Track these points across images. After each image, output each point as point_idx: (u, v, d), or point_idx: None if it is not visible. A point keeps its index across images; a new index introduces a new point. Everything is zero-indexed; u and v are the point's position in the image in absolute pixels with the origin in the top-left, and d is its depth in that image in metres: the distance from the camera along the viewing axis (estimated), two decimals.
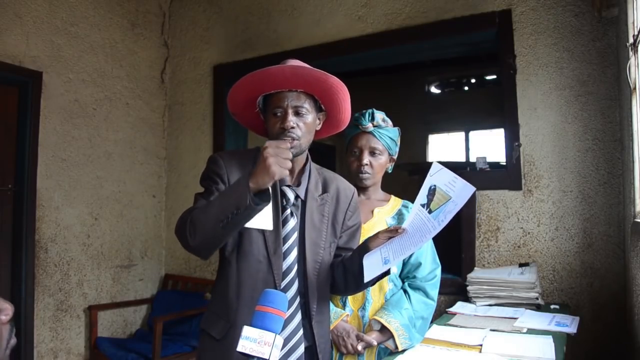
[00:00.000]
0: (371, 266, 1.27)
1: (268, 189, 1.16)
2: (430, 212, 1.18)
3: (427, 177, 1.20)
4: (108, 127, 3.48)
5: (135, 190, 3.68)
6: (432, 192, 1.19)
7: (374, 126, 1.72)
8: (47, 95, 3.09)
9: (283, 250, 1.34)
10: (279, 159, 1.12)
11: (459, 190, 1.12)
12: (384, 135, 1.73)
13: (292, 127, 1.29)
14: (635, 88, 1.86)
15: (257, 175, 1.13)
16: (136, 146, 3.69)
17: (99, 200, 3.42)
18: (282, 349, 1.28)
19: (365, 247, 1.31)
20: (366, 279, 1.27)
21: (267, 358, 0.90)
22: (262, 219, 1.28)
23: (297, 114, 1.32)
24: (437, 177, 1.18)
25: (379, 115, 1.75)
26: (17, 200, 3.00)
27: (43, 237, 3.07)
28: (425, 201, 1.20)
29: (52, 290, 3.11)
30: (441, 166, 1.19)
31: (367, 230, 1.70)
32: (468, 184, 1.12)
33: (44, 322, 3.06)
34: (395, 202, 1.81)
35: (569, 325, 1.83)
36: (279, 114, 1.31)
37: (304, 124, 1.32)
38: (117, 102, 3.55)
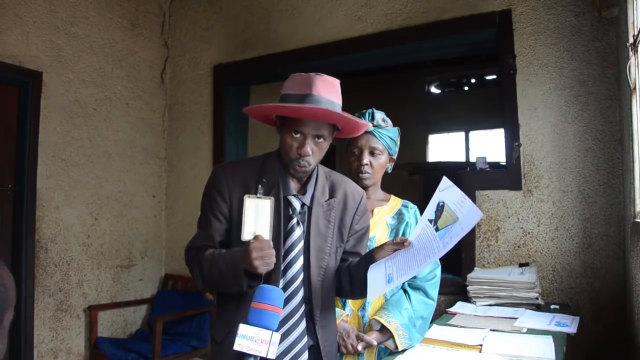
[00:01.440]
0: (375, 282, 1.26)
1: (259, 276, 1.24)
2: (437, 229, 1.17)
3: (437, 192, 1.20)
4: (108, 127, 3.48)
5: (135, 190, 3.68)
6: (440, 208, 1.18)
7: (374, 126, 1.72)
8: (47, 95, 3.09)
9: (288, 260, 1.33)
10: (264, 261, 1.19)
11: (467, 213, 1.12)
12: (383, 135, 1.73)
13: (309, 155, 1.30)
14: (635, 88, 1.86)
15: (247, 263, 1.21)
16: (136, 146, 3.69)
17: (99, 200, 3.42)
18: (287, 354, 1.28)
19: (371, 258, 1.31)
20: (370, 297, 1.29)
21: (265, 356, 0.90)
22: (261, 232, 1.27)
23: (316, 138, 1.32)
24: (447, 194, 1.18)
25: (379, 115, 1.75)
26: (17, 200, 3.00)
27: (43, 237, 3.07)
28: (433, 217, 1.19)
29: (52, 290, 3.11)
30: (451, 183, 1.18)
31: None
32: (476, 207, 1.12)
33: (44, 322, 3.06)
34: (395, 202, 1.81)
35: (569, 325, 1.83)
36: (298, 137, 1.30)
37: (320, 149, 1.33)
38: (117, 102, 3.55)
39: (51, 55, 3.13)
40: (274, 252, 1.21)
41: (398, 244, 1.27)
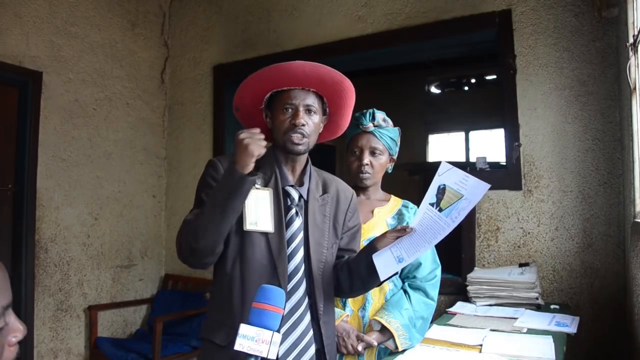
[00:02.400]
0: (385, 265, 1.26)
1: (253, 172, 1.23)
2: (440, 210, 1.17)
3: (436, 177, 1.20)
4: (108, 127, 3.48)
5: (135, 190, 3.68)
6: (441, 191, 1.18)
7: (375, 126, 1.72)
8: (47, 95, 3.09)
9: (289, 251, 1.33)
10: (254, 140, 1.20)
11: (472, 188, 1.12)
12: (384, 135, 1.73)
13: (303, 125, 1.31)
14: (635, 88, 1.86)
15: (238, 157, 1.20)
16: (136, 146, 3.69)
17: (99, 200, 3.42)
18: (293, 350, 1.28)
19: (373, 248, 1.31)
20: (382, 277, 1.28)
21: (266, 356, 0.90)
22: (263, 222, 1.28)
23: (308, 112, 1.34)
24: (447, 177, 1.18)
25: (380, 115, 1.75)
26: (17, 200, 3.00)
27: (43, 237, 3.07)
28: (434, 200, 1.19)
29: (52, 290, 3.11)
30: (450, 165, 1.18)
31: (367, 230, 1.70)
32: (481, 181, 1.12)
33: (44, 322, 3.06)
34: (395, 202, 1.81)
35: (569, 325, 1.83)
36: (290, 110, 1.33)
37: (313, 123, 1.35)
38: (117, 102, 3.55)
39: (51, 55, 3.13)
40: (262, 135, 1.22)
41: (400, 231, 1.27)
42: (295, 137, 1.32)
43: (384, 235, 1.31)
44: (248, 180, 1.21)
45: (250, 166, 1.20)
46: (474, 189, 1.12)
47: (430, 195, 1.20)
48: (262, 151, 1.21)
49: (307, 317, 1.34)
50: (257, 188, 1.31)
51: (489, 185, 1.12)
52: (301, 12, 3.31)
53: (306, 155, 1.41)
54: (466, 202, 1.13)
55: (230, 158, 1.36)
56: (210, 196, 1.25)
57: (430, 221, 1.20)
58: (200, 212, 1.26)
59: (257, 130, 1.23)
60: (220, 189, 1.23)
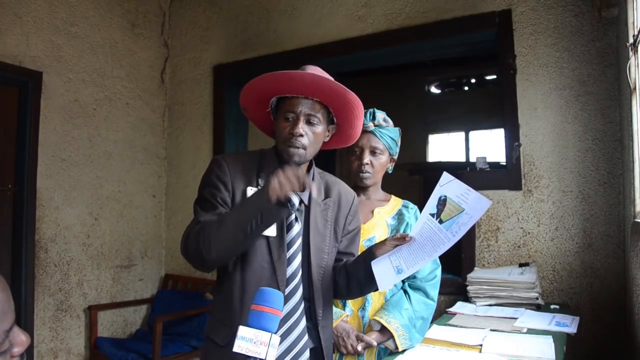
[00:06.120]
0: (383, 274, 1.26)
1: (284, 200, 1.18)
2: (440, 222, 1.17)
3: (437, 187, 1.20)
4: (108, 127, 3.48)
5: (135, 190, 3.68)
6: (442, 202, 1.18)
7: (375, 125, 1.72)
8: (47, 95, 3.09)
9: (287, 256, 1.33)
10: (283, 184, 1.14)
11: (473, 203, 1.12)
12: (384, 134, 1.73)
13: (301, 135, 1.28)
14: (635, 88, 1.86)
15: (272, 190, 1.15)
16: (136, 146, 3.69)
17: (99, 200, 3.42)
18: (288, 354, 1.28)
19: (371, 254, 1.31)
20: (381, 288, 1.28)
21: (264, 358, 0.90)
22: None
23: (308, 122, 1.31)
24: (448, 188, 1.18)
25: (380, 115, 1.75)
26: (17, 200, 3.00)
27: (43, 237, 3.07)
28: (434, 211, 1.19)
29: (52, 290, 3.11)
30: (452, 177, 1.18)
31: (367, 230, 1.70)
32: (483, 197, 1.12)
33: (44, 322, 3.06)
34: (395, 202, 1.81)
35: (569, 325, 1.83)
36: (290, 119, 1.30)
37: (313, 133, 1.31)
38: (117, 102, 3.55)
39: (51, 55, 3.13)
40: (300, 183, 1.16)
41: (399, 239, 1.27)
42: (291, 147, 1.29)
43: (383, 242, 1.31)
44: (282, 210, 1.18)
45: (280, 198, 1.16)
46: (475, 204, 1.12)
47: (431, 205, 1.20)
48: (290, 191, 1.17)
49: (303, 322, 1.34)
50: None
51: (490, 202, 1.12)
52: (301, 12, 3.31)
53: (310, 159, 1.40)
54: (467, 217, 1.13)
55: (240, 161, 1.37)
56: (235, 217, 1.21)
57: (430, 232, 1.20)
58: (218, 224, 1.21)
59: (300, 175, 1.17)
60: (251, 215, 1.18)
